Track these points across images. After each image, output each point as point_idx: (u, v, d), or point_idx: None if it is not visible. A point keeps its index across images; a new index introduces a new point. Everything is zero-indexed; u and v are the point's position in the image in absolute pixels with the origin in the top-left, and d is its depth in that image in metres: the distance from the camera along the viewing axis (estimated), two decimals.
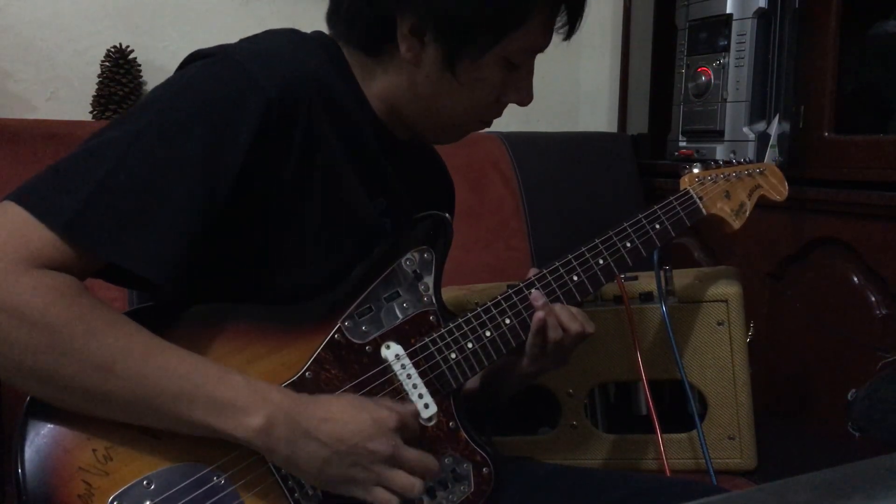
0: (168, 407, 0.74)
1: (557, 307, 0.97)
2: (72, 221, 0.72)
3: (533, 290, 0.97)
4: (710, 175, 1.16)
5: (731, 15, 1.54)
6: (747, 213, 1.17)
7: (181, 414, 0.74)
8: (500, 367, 1.02)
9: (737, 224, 1.15)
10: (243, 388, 0.76)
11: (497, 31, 0.86)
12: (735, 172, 1.19)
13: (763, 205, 1.21)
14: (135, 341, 0.74)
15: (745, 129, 1.55)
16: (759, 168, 1.23)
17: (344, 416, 0.79)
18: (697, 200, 1.11)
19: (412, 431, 0.84)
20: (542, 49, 0.92)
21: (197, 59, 0.84)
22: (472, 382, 1.06)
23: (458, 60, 0.87)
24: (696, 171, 1.16)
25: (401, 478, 0.80)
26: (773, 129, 1.46)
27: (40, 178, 0.75)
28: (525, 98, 0.94)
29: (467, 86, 0.89)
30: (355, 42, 0.91)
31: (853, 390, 1.14)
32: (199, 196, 0.77)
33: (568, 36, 0.92)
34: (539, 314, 0.95)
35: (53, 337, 0.71)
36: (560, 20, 0.91)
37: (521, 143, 1.76)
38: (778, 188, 1.23)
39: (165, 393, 0.74)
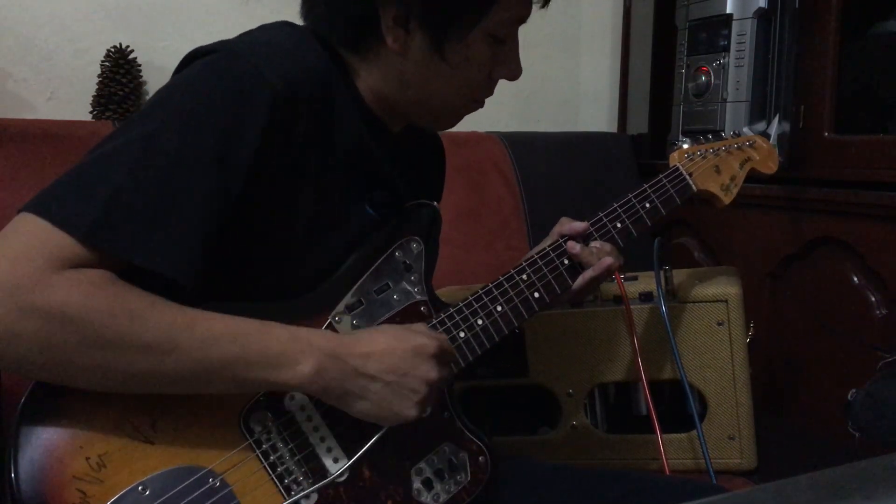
0: (224, 372, 0.75)
1: (589, 249, 1.01)
2: (92, 227, 0.72)
3: (569, 242, 1.01)
4: (699, 150, 1.15)
5: (731, 15, 1.54)
6: (738, 186, 1.16)
7: (238, 376, 0.76)
8: None
9: (727, 199, 1.14)
10: (287, 339, 0.78)
11: (480, 5, 0.86)
12: (724, 146, 1.18)
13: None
14: (177, 317, 0.75)
15: (746, 130, 1.55)
16: (748, 141, 1.22)
17: (387, 348, 0.81)
18: (687, 177, 1.10)
19: (451, 355, 0.87)
20: (524, 19, 0.91)
21: (197, 57, 0.83)
22: None
23: (445, 43, 0.86)
24: (685, 146, 1.15)
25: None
26: (773, 129, 1.46)
27: (57, 185, 0.75)
28: (514, 71, 0.93)
29: (458, 67, 0.88)
30: (337, 39, 0.90)
31: (853, 390, 1.14)
32: (215, 193, 0.78)
33: (545, 3, 0.92)
34: (600, 262, 1.00)
35: (99, 328, 0.71)
36: None
37: (521, 143, 1.76)
38: (767, 161, 1.22)
39: (219, 360, 0.75)
